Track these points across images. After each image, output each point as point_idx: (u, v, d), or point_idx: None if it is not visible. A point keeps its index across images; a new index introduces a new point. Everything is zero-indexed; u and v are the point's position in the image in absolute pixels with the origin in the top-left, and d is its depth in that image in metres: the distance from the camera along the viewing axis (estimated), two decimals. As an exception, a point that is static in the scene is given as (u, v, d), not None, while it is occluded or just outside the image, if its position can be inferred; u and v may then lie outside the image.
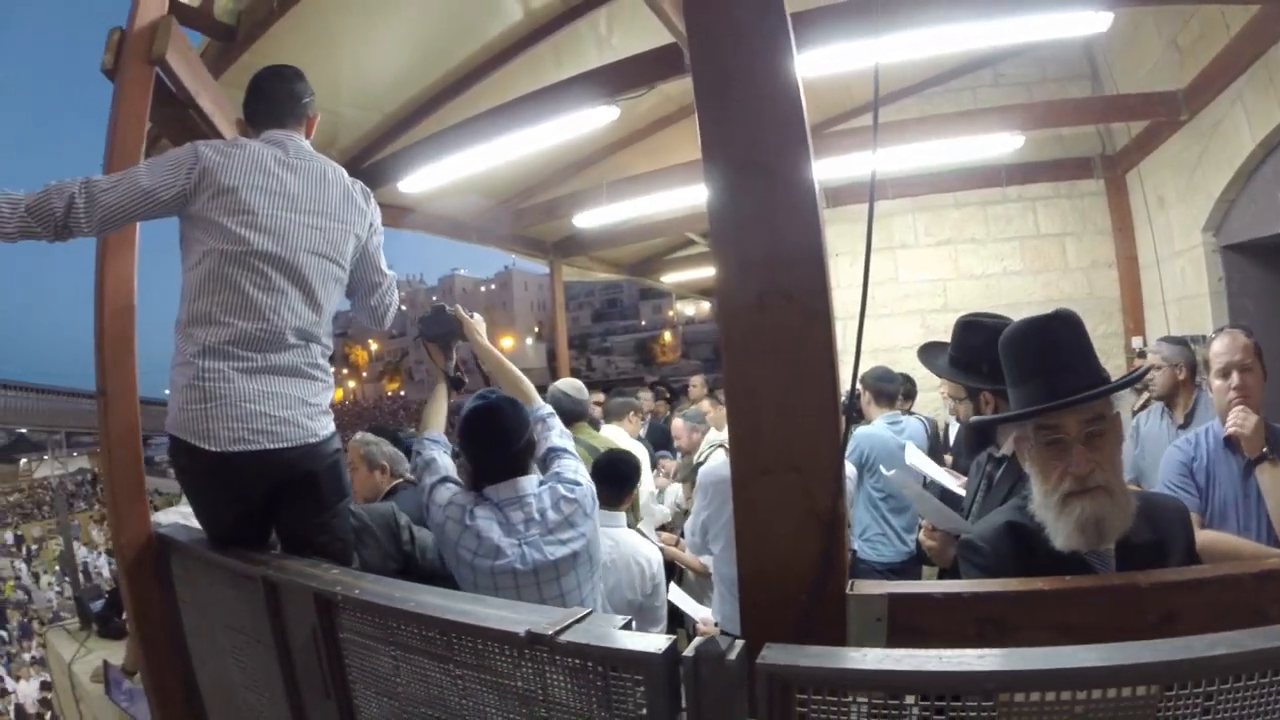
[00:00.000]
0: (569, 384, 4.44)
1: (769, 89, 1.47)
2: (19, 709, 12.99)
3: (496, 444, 2.47)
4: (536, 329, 78.21)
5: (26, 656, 15.45)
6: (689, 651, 1.20)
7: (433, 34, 4.81)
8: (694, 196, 6.87)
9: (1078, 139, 7.11)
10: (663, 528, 5.35)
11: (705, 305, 68.37)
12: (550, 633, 1.32)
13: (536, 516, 2.40)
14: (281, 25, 3.84)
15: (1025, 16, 4.12)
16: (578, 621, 1.37)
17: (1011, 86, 7.23)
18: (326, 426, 2.35)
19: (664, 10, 3.58)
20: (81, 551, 25.82)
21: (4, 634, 19.20)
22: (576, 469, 2.58)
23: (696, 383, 8.53)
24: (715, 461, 3.81)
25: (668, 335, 72.47)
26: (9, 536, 32.33)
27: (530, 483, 2.48)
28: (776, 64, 1.48)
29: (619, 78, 4.60)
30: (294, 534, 2.37)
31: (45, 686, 13.15)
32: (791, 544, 1.43)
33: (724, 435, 5.61)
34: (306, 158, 2.39)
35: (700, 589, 4.36)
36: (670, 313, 73.79)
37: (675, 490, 5.83)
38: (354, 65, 4.69)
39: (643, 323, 77.42)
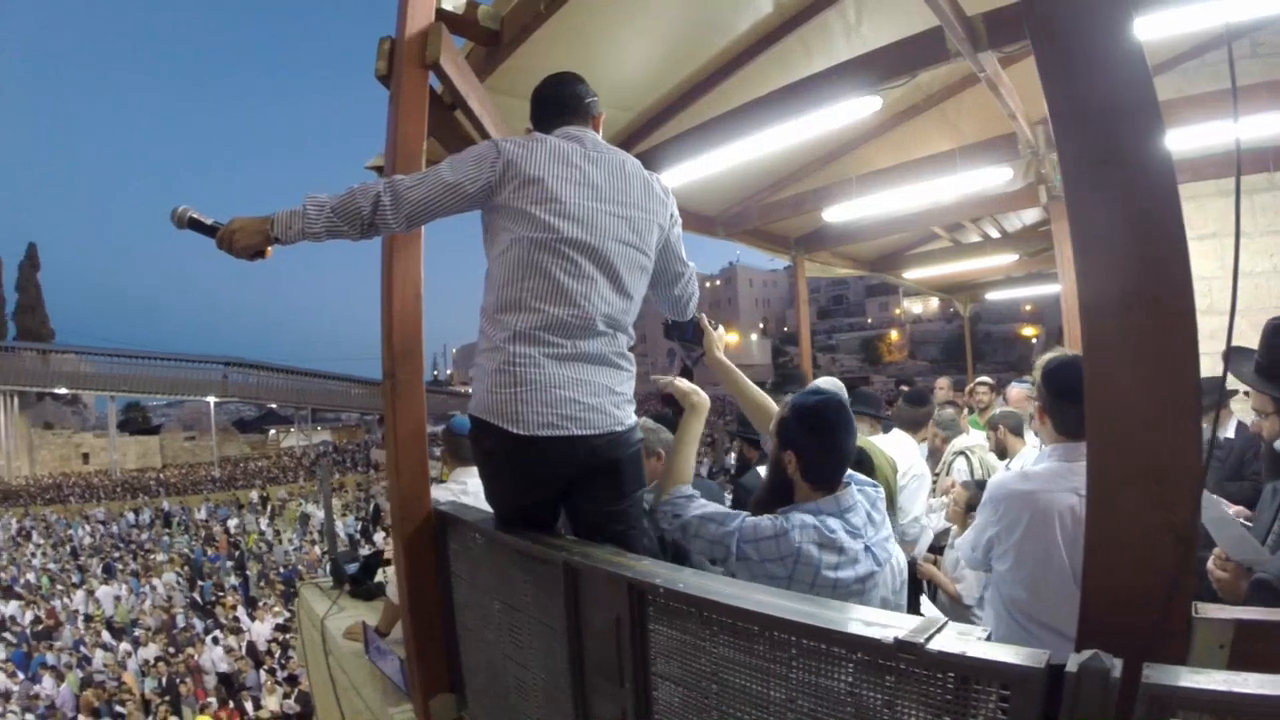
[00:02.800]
0: (830, 383, 4.26)
1: (1120, 68, 1.35)
2: (250, 645, 14.07)
3: (846, 441, 2.29)
4: (761, 325, 77.79)
5: (263, 602, 16.79)
6: (1071, 667, 1.13)
7: (682, 32, 4.83)
8: (941, 190, 6.63)
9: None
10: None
11: (934, 303, 65.86)
12: (920, 640, 1.26)
13: (866, 518, 2.28)
14: (543, 30, 3.92)
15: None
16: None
17: (1271, 57, 6.13)
18: (630, 415, 2.39)
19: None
20: (321, 515, 28.11)
21: (247, 578, 20.97)
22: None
23: (943, 384, 8.11)
24: (1005, 474, 3.52)
25: (894, 334, 70.27)
26: (254, 496, 35.61)
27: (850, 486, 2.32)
28: (1124, 41, 1.36)
29: (879, 67, 4.45)
30: (588, 521, 2.40)
31: (279, 629, 14.38)
32: (1145, 560, 1.31)
33: (968, 441, 5.38)
34: (605, 150, 2.43)
35: (949, 613, 4.10)
36: (897, 310, 71.51)
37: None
38: (608, 66, 4.76)
39: (869, 320, 75.40)
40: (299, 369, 55.78)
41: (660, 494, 2.52)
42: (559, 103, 2.53)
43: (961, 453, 5.19)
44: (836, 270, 10.49)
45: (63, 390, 50.36)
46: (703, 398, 2.67)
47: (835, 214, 7.26)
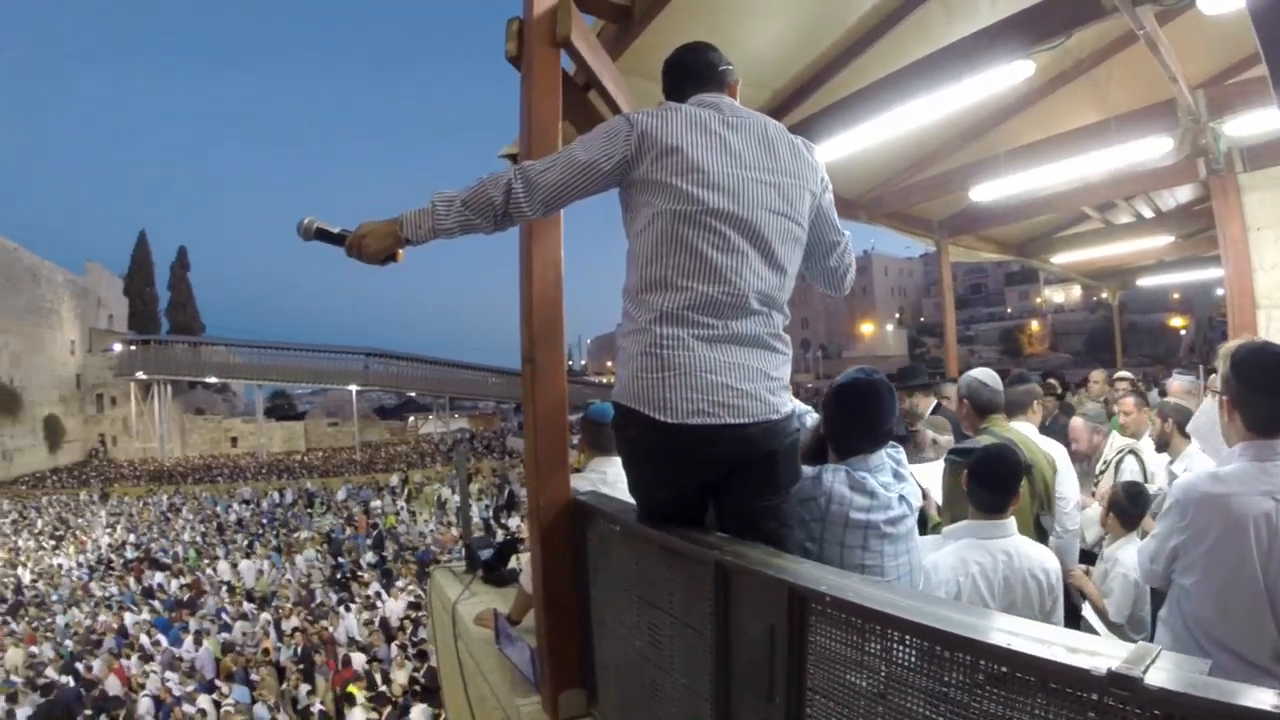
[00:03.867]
0: (984, 373, 4.04)
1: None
2: (383, 621, 14.39)
3: (868, 416, 2.47)
4: (897, 315, 76.22)
5: (400, 582, 17.29)
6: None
7: (815, 3, 4.62)
8: (1091, 165, 6.15)
9: None
10: None
11: (1076, 291, 63.04)
12: (1137, 674, 1.05)
13: (892, 478, 2.45)
14: (675, 3, 3.76)
15: None
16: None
17: None
18: (787, 403, 2.22)
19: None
20: (458, 499, 28.93)
21: (383, 557, 21.56)
22: None
23: (1097, 378, 7.55)
24: (1194, 475, 3.27)
25: (1035, 324, 67.32)
26: (393, 479, 36.89)
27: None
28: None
29: (1030, 28, 4.09)
30: (738, 516, 2.23)
31: (411, 607, 14.68)
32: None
33: (1125, 441, 4.98)
34: (744, 115, 2.27)
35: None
36: (1038, 299, 68.84)
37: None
38: (742, 42, 4.57)
39: (1008, 310, 72.45)
40: (437, 359, 57.50)
41: None
42: (693, 70, 2.40)
43: (1131, 451, 4.76)
44: (981, 255, 10.02)
45: (213, 379, 54.34)
46: None
47: (982, 193, 6.83)
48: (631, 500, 2.49)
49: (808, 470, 2.40)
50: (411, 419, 64.55)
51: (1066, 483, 3.97)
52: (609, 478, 3.21)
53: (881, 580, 2.28)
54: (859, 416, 2.47)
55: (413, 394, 61.69)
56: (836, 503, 2.33)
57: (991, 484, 2.95)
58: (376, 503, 31.08)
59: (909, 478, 2.53)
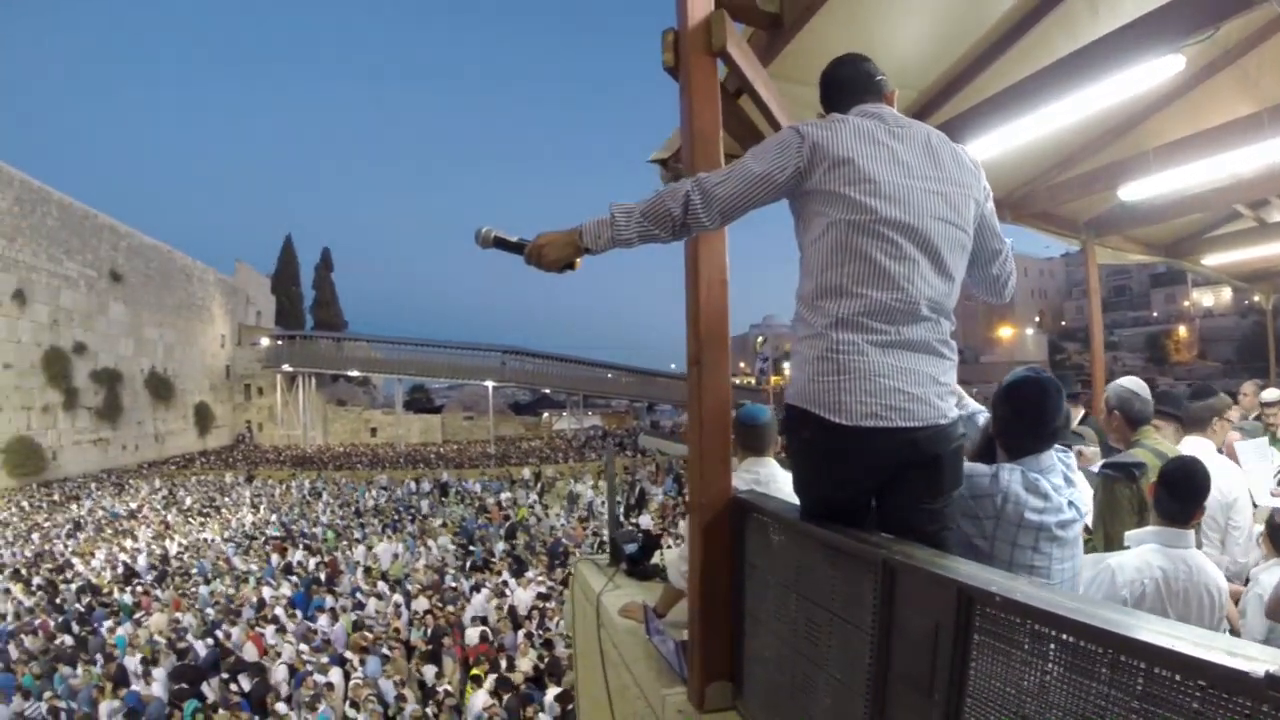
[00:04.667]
0: (1134, 382, 3.87)
1: None
2: (511, 609, 14.62)
3: (1034, 415, 2.52)
4: (1037, 319, 73.43)
5: (530, 572, 17.58)
6: None
7: (958, 2, 4.57)
8: (1243, 161, 5.82)
9: None
10: None
11: (1226, 294, 59.07)
12: None
13: (1062, 481, 2.49)
14: (821, 12, 3.80)
15: None
16: None
17: None
18: (954, 409, 2.30)
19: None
20: (589, 494, 29.24)
21: (515, 547, 22.05)
22: None
23: (1249, 390, 6.90)
24: None
25: (1183, 330, 63.54)
26: (526, 473, 37.97)
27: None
28: None
29: (1180, 19, 3.88)
30: (901, 518, 2.29)
31: (540, 597, 14.96)
32: None
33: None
34: (907, 125, 2.34)
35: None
36: (1185, 303, 65.06)
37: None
38: (888, 45, 4.56)
39: (1154, 314, 68.45)
40: (572, 357, 58.46)
41: None
42: (851, 82, 2.48)
43: None
44: (1129, 256, 9.52)
45: (354, 373, 57.60)
46: None
47: (1131, 192, 6.53)
48: (783, 499, 2.58)
49: (983, 468, 2.48)
50: (545, 415, 65.82)
51: (1243, 511, 3.81)
52: (761, 478, 3.31)
53: (1045, 583, 2.32)
54: (1028, 416, 2.52)
55: (547, 391, 62.79)
56: (1013, 502, 2.39)
57: (1182, 494, 2.90)
58: (508, 494, 31.78)
59: (1078, 483, 2.56)
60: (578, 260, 2.33)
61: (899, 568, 1.88)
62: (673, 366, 66.89)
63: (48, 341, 37.71)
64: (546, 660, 11.77)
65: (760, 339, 65.37)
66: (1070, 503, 2.44)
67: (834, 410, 2.16)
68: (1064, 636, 1.42)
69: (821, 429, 2.19)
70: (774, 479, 3.36)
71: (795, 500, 2.55)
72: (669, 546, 5.31)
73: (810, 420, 2.22)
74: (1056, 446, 2.57)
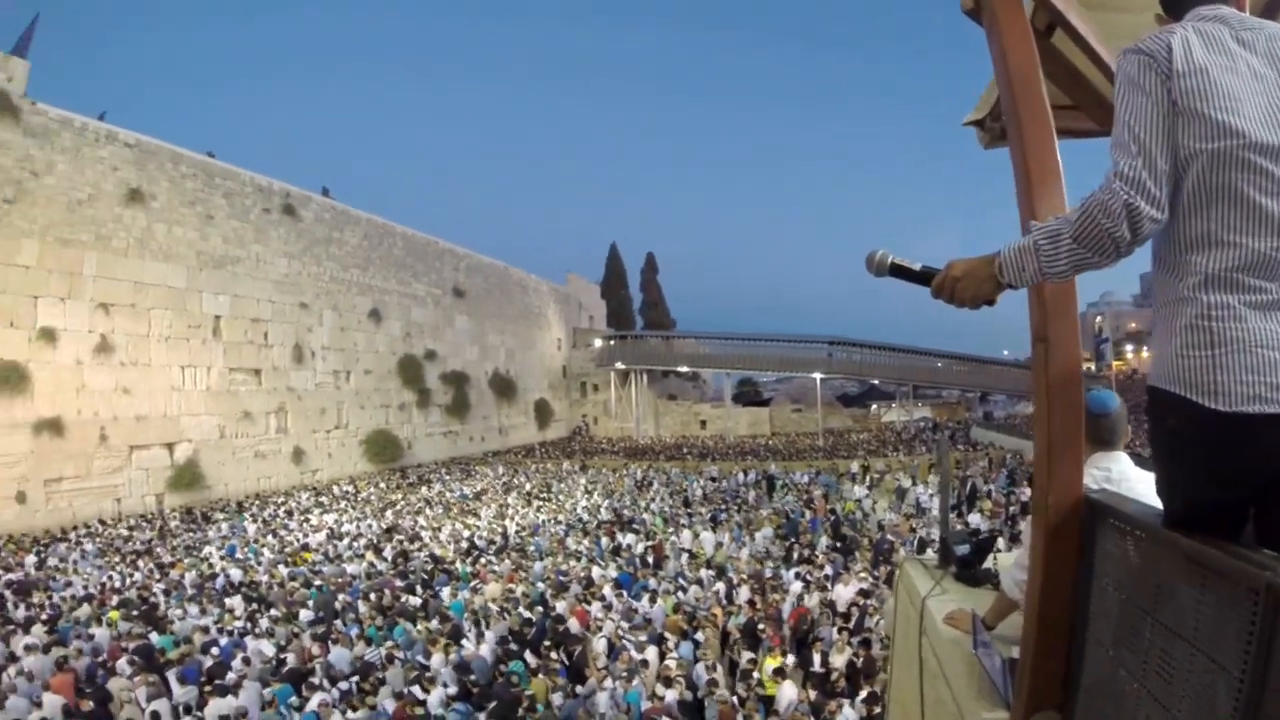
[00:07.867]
0: None
1: None
2: (831, 604, 14.25)
3: None
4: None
5: (854, 568, 17.17)
6: None
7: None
8: None
9: None
10: None
11: None
12: None
13: None
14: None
15: None
16: None
17: None
18: None
19: None
20: (918, 490, 28.31)
21: (842, 539, 21.59)
22: None
23: None
24: None
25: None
26: (854, 466, 37.47)
27: None
28: None
29: None
30: None
31: (861, 593, 14.49)
32: None
33: None
34: (1254, 26, 1.82)
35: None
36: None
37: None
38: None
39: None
40: (900, 346, 57.85)
41: None
42: None
43: None
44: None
45: (684, 369, 61.58)
46: None
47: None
48: (1144, 501, 2.11)
49: None
50: (874, 406, 65.14)
51: None
52: (1113, 475, 2.77)
53: None
54: None
55: (876, 382, 62.29)
56: None
57: None
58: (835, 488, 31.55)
59: None
60: (996, 296, 1.98)
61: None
62: (1005, 353, 65.29)
63: (401, 350, 44.30)
64: (862, 659, 11.45)
65: (1099, 318, 59.37)
66: None
67: (1208, 393, 1.69)
68: None
69: (1191, 416, 1.73)
70: (1126, 477, 2.80)
71: (1155, 503, 2.08)
72: (1000, 550, 4.82)
73: (1177, 405, 1.76)
74: None
